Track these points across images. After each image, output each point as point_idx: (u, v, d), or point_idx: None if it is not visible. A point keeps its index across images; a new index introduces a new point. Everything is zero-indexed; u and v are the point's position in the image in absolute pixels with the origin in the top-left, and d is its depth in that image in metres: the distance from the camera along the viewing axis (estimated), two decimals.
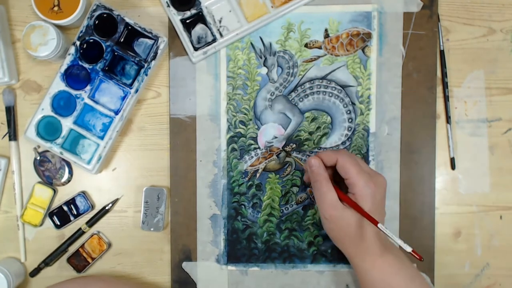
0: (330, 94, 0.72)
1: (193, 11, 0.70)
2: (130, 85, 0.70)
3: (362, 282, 0.64)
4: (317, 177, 0.63)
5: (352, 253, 0.63)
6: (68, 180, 0.73)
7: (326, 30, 0.71)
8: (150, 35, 0.69)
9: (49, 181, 0.73)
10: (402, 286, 0.62)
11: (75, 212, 0.73)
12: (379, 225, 0.60)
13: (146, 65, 0.69)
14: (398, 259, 0.63)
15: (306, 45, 0.72)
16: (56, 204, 0.73)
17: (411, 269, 0.64)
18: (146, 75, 0.69)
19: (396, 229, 0.72)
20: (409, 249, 0.59)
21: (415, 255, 0.59)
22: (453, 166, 0.72)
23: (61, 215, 0.73)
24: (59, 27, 0.68)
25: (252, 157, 0.72)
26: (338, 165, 0.63)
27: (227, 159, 0.72)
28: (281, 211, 0.72)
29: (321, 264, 0.72)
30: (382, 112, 0.71)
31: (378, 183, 0.62)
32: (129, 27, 0.69)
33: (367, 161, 0.72)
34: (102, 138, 0.69)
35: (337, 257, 0.72)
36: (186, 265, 0.73)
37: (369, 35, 0.71)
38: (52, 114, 0.69)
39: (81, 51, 0.69)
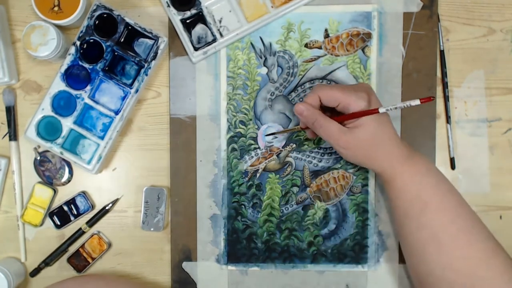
0: None
1: (193, 11, 0.70)
2: (130, 85, 0.70)
3: (393, 192, 0.63)
4: (312, 118, 0.62)
5: (379, 166, 0.63)
6: (68, 180, 0.73)
7: (326, 30, 0.71)
8: (150, 35, 0.69)
9: (49, 181, 0.73)
10: (432, 186, 0.62)
11: (75, 212, 0.73)
12: (380, 108, 0.60)
13: (146, 65, 0.69)
14: (423, 160, 0.63)
15: (306, 45, 0.72)
16: (56, 204, 0.73)
17: (437, 170, 0.64)
18: (146, 75, 0.69)
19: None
20: (417, 101, 0.57)
21: (426, 100, 0.57)
22: (453, 166, 0.72)
23: (61, 215, 0.73)
24: (59, 27, 0.68)
25: (252, 157, 0.72)
26: (324, 99, 0.63)
27: (227, 159, 0.72)
28: (281, 211, 0.72)
29: (321, 264, 0.72)
30: None
31: (365, 89, 0.62)
32: (129, 27, 0.69)
33: None
34: (102, 138, 0.69)
35: (337, 257, 0.72)
36: (186, 265, 0.73)
37: (369, 35, 0.71)
38: (52, 114, 0.69)
39: (81, 51, 0.69)
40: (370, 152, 0.62)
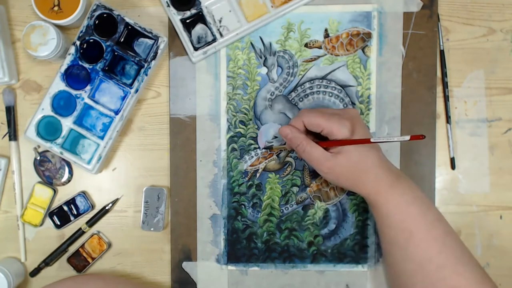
0: (330, 94, 0.72)
1: (193, 11, 0.70)
2: (130, 85, 0.70)
3: (379, 219, 0.63)
4: (296, 141, 0.63)
5: (363, 191, 0.63)
6: (68, 180, 0.73)
7: (326, 30, 0.71)
8: (150, 35, 0.69)
9: (49, 181, 0.73)
10: (418, 214, 0.61)
11: (75, 212, 0.73)
12: (372, 139, 0.60)
13: (146, 65, 0.69)
14: (411, 187, 0.63)
15: (306, 45, 0.72)
16: (56, 204, 0.73)
17: (425, 198, 0.63)
18: (146, 75, 0.69)
19: None
20: (407, 137, 0.57)
21: (417, 138, 0.56)
22: (453, 166, 0.72)
23: (61, 215, 0.73)
24: (59, 27, 0.68)
25: (252, 157, 0.72)
26: (307, 125, 0.63)
27: (227, 159, 0.72)
28: (281, 211, 0.72)
29: (321, 264, 0.72)
30: (382, 112, 0.71)
31: (350, 117, 0.62)
32: (129, 27, 0.69)
33: None
34: (102, 138, 0.69)
35: (337, 257, 0.72)
36: (186, 265, 0.73)
37: (369, 35, 0.71)
38: (52, 114, 0.69)
39: (81, 51, 0.69)
40: (353, 179, 0.62)
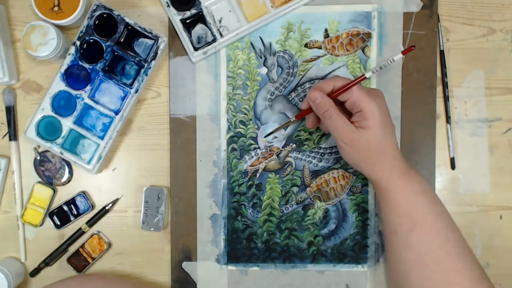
0: None
1: (193, 11, 0.70)
2: (130, 85, 0.70)
3: (385, 205, 0.63)
4: (324, 107, 0.62)
5: (375, 174, 0.63)
6: (68, 180, 0.73)
7: (326, 30, 0.71)
8: (150, 35, 0.69)
9: (49, 181, 0.73)
10: (425, 206, 0.61)
11: (75, 212, 0.73)
12: (366, 73, 0.62)
13: (146, 65, 0.69)
14: (421, 179, 0.63)
15: (306, 45, 0.72)
16: (56, 204, 0.73)
17: (432, 192, 0.64)
18: (146, 75, 0.69)
19: None
20: (399, 55, 0.61)
21: (407, 51, 0.61)
22: (453, 166, 0.72)
23: (61, 215, 0.73)
24: (59, 27, 0.68)
25: (252, 157, 0.72)
26: (338, 88, 0.63)
27: (227, 159, 0.72)
28: (281, 211, 0.72)
29: (321, 264, 0.72)
30: None
31: (379, 95, 0.63)
32: (129, 27, 0.69)
33: None
34: (102, 138, 0.69)
35: (337, 257, 0.72)
36: (186, 265, 0.73)
37: (369, 35, 0.71)
38: (52, 114, 0.69)
39: (81, 51, 0.69)
40: (371, 158, 0.62)
